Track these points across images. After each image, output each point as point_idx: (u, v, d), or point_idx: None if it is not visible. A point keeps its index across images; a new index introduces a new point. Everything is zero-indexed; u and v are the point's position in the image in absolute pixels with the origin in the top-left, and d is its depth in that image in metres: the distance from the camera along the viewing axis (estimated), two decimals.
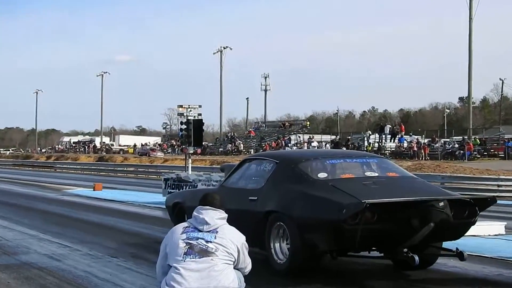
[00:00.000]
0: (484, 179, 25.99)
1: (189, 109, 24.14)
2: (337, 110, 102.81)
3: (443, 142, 44.65)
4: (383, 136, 47.71)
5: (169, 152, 64.80)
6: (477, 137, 45.58)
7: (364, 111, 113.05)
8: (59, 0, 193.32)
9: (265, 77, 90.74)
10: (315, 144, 49.11)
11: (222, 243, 4.89)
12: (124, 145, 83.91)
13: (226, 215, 5.09)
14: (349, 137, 53.20)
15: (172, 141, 68.23)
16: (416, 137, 47.08)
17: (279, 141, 55.35)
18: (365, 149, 44.71)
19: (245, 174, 8.96)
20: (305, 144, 49.86)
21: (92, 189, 24.33)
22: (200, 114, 24.08)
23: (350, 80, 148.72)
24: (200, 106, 24.41)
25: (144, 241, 10.85)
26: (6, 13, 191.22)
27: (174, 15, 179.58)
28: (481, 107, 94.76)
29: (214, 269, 4.81)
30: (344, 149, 39.42)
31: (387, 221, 6.93)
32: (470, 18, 44.77)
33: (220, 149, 61.74)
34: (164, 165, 47.04)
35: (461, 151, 39.10)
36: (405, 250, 7.17)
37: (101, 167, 51.82)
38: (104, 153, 72.54)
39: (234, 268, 4.99)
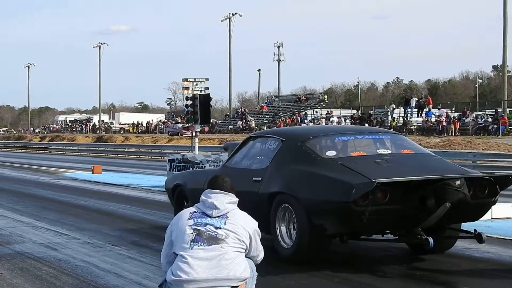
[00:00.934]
0: None
1: (195, 83, 24.21)
2: (358, 82, 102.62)
3: (474, 115, 44.37)
4: (409, 110, 47.45)
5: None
6: None
7: (388, 83, 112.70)
8: None
9: (278, 46, 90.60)
10: (334, 119, 48.82)
11: (232, 230, 4.87)
12: (125, 124, 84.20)
13: (237, 199, 5.07)
14: (371, 111, 53.02)
15: (177, 118, 68.33)
16: (445, 110, 46.76)
17: (294, 117, 55.19)
18: (389, 124, 44.61)
19: (249, 153, 9.00)
20: (323, 120, 49.60)
21: (91, 172, 24.51)
22: (207, 88, 24.14)
23: (372, 48, 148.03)
24: (207, 80, 24.48)
25: (148, 228, 10.94)
26: None
27: None
28: None
29: (225, 258, 4.79)
30: (367, 125, 39.32)
31: (400, 202, 6.98)
32: None
33: (230, 127, 61.83)
34: (169, 145, 47.27)
35: (495, 126, 38.89)
36: (420, 232, 7.22)
37: (100, 148, 52.16)
38: (103, 133, 72.94)
39: (246, 256, 4.98)
